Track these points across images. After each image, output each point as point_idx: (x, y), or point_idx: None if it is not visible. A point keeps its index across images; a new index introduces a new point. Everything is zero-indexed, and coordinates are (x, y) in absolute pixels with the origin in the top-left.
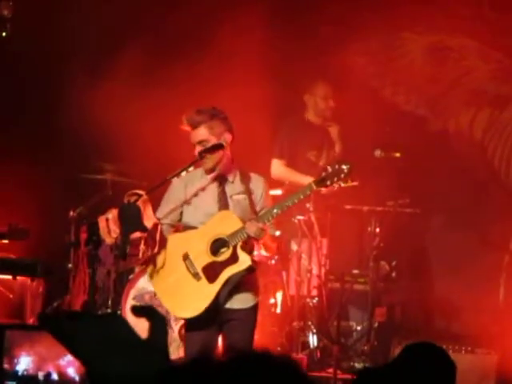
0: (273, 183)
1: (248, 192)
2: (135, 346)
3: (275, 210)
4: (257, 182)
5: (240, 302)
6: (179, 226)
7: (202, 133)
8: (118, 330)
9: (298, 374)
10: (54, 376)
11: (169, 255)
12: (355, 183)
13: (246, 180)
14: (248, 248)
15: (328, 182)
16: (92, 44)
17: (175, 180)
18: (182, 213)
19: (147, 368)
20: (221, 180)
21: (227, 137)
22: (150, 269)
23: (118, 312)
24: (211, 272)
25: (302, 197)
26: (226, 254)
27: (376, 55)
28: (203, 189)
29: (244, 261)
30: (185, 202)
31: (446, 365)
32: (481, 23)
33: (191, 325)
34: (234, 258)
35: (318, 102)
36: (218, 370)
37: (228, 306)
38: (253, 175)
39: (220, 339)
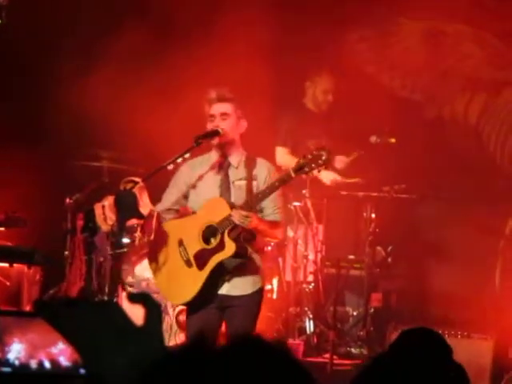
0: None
1: (250, 178)
2: (131, 333)
3: (259, 196)
4: (261, 167)
5: (239, 288)
6: (186, 210)
7: (228, 107)
8: (114, 317)
9: (290, 360)
10: (47, 364)
11: (166, 241)
12: (357, 179)
13: (250, 165)
14: (233, 235)
15: (306, 169)
16: (89, 27)
17: (182, 167)
18: (187, 197)
19: (143, 355)
20: (224, 165)
21: (244, 123)
22: (149, 255)
23: (114, 299)
24: (201, 259)
25: (277, 184)
26: (215, 241)
27: (372, 41)
28: (207, 173)
29: (230, 248)
30: (189, 186)
31: (442, 349)
32: (476, 9)
33: (191, 311)
34: (221, 246)
35: (317, 93)
36: (209, 357)
37: (226, 292)
38: (259, 160)
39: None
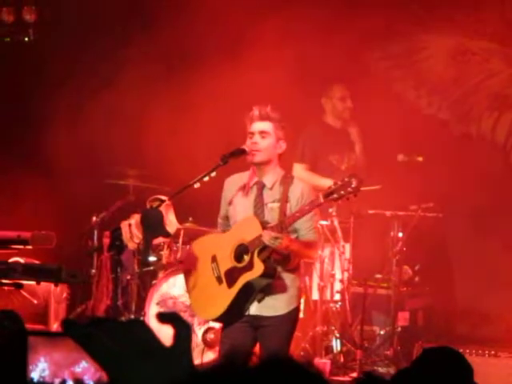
0: None
1: (283, 199)
2: (159, 353)
3: (289, 220)
4: (295, 189)
5: (271, 308)
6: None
7: (268, 126)
8: (142, 336)
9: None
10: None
11: (200, 257)
12: (377, 187)
13: (285, 187)
14: (264, 255)
15: (335, 195)
16: (113, 42)
17: (225, 182)
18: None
19: (171, 376)
20: (259, 186)
21: (283, 144)
22: (184, 270)
23: (141, 318)
24: (231, 277)
25: (307, 208)
26: (245, 260)
27: (399, 58)
28: (244, 193)
29: (258, 268)
30: (228, 202)
31: (463, 368)
32: (503, 26)
33: (225, 328)
34: (250, 265)
35: (335, 103)
36: (239, 377)
37: (257, 312)
38: (295, 182)
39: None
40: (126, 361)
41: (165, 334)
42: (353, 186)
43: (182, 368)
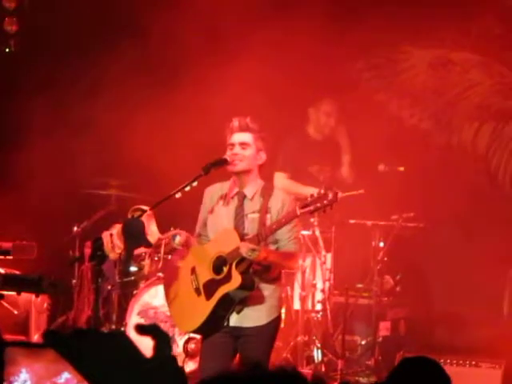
0: None
1: (263, 210)
2: (142, 363)
3: (267, 232)
4: (276, 200)
5: (250, 319)
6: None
7: (248, 137)
8: (124, 347)
9: None
10: None
11: (181, 269)
12: (360, 191)
13: (265, 197)
14: (243, 267)
15: (311, 208)
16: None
17: (206, 191)
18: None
19: None
20: (240, 197)
21: (263, 155)
22: (164, 282)
23: (122, 328)
24: (209, 289)
25: (284, 221)
26: (224, 272)
27: (380, 69)
28: (224, 204)
29: (235, 280)
30: (208, 212)
31: (440, 378)
32: (485, 37)
33: (204, 340)
34: (228, 277)
35: (320, 116)
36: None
37: (238, 323)
38: (276, 192)
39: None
40: (110, 372)
41: (146, 344)
42: (329, 198)
43: (168, 376)
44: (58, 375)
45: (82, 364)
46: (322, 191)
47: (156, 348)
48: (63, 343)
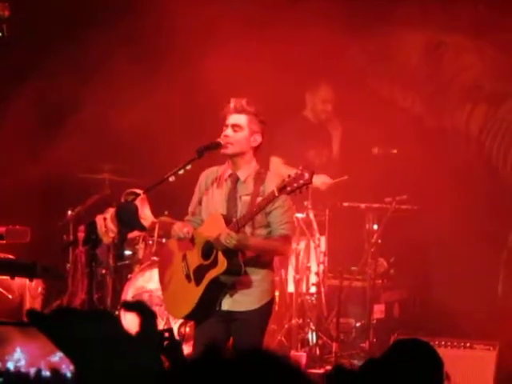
0: None
1: (255, 193)
2: (126, 341)
3: (247, 216)
4: (269, 183)
5: (242, 304)
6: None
7: (242, 119)
8: (108, 325)
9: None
10: (45, 373)
11: (173, 255)
12: (345, 177)
13: (258, 181)
14: (230, 252)
15: (289, 189)
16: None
17: (202, 173)
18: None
19: (140, 363)
20: (233, 179)
21: (258, 138)
22: (158, 269)
23: (117, 312)
24: (199, 274)
25: (263, 203)
26: (211, 257)
27: (373, 53)
28: (217, 185)
29: (221, 265)
30: (202, 194)
31: (432, 360)
32: (476, 20)
33: (197, 325)
34: (215, 262)
35: (316, 103)
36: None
37: (229, 308)
38: (269, 176)
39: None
40: (92, 350)
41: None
42: (305, 178)
43: (150, 355)
44: (52, 354)
45: (63, 342)
46: (299, 172)
47: (142, 325)
48: (45, 322)
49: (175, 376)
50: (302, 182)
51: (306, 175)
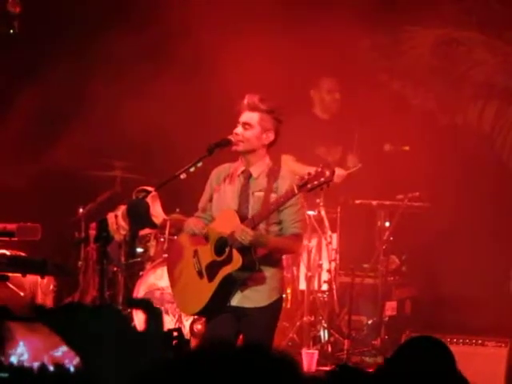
0: None
1: (269, 190)
2: (132, 336)
3: (265, 213)
4: (283, 180)
5: (252, 300)
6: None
7: (253, 118)
8: (114, 321)
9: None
10: (49, 367)
11: (183, 252)
12: (359, 165)
13: (272, 177)
14: (244, 248)
15: (309, 186)
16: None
17: (214, 170)
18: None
19: (142, 360)
20: (246, 175)
21: (270, 135)
22: (167, 266)
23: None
24: (211, 271)
25: (282, 200)
26: (225, 253)
27: (385, 49)
28: (229, 181)
29: (236, 261)
30: (214, 191)
31: (445, 357)
32: (488, 16)
33: (208, 321)
34: (229, 258)
35: (323, 96)
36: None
37: (239, 304)
38: (282, 173)
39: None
40: (98, 344)
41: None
42: (326, 175)
43: (155, 351)
44: (55, 348)
45: (69, 337)
46: (320, 169)
47: (147, 322)
48: (52, 317)
49: (171, 368)
50: (323, 179)
51: (327, 173)
